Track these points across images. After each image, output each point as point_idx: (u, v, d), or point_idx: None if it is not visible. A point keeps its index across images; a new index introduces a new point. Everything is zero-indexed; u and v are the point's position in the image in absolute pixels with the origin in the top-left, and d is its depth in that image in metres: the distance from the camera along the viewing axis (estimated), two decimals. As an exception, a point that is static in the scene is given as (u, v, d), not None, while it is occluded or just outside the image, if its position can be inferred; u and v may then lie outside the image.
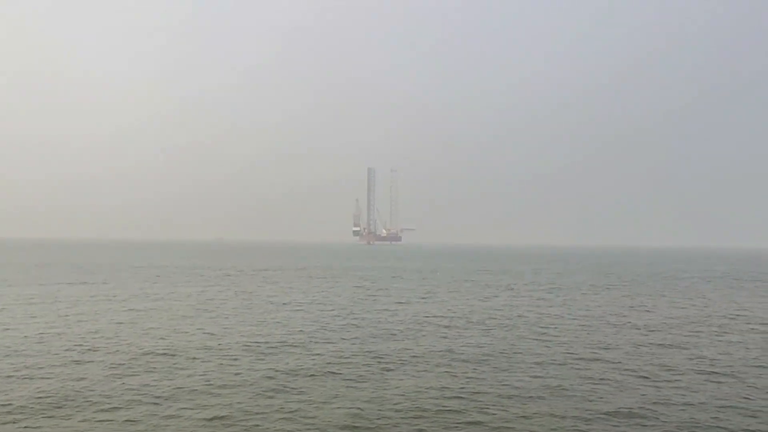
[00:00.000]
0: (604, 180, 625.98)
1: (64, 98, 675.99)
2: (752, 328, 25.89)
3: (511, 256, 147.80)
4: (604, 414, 12.92)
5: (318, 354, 18.81)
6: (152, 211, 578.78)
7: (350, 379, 15.64)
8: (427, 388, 14.80)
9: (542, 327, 25.21)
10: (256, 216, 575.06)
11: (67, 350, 18.81)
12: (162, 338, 21.31)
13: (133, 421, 12.05)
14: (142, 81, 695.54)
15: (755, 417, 12.94)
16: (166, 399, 13.59)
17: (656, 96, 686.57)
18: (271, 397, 13.84)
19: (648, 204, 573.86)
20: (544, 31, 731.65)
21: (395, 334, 22.77)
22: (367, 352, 19.26)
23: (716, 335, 23.78)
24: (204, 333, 22.54)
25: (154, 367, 16.64)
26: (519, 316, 29.01)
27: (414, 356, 18.68)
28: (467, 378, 15.98)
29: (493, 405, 13.50)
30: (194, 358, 17.90)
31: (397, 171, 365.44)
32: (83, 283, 45.06)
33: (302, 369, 16.68)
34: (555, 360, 18.44)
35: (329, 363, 17.50)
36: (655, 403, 13.84)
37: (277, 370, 16.44)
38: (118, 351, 18.82)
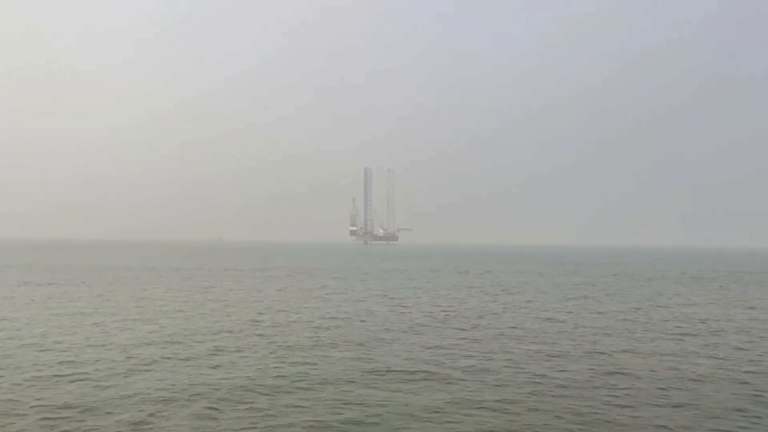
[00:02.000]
0: (602, 180, 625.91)
1: (62, 100, 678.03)
2: (677, 326, 26.33)
3: (503, 256, 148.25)
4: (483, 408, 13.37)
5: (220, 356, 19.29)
6: (153, 211, 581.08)
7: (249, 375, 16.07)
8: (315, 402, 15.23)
9: (467, 328, 25.65)
10: (255, 216, 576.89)
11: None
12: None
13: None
14: (140, 82, 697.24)
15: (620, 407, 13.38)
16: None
17: (653, 95, 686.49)
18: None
19: (647, 204, 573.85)
20: (540, 31, 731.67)
21: (319, 328, 23.31)
22: (270, 342, 19.75)
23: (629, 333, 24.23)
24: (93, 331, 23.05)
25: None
26: (451, 316, 29.48)
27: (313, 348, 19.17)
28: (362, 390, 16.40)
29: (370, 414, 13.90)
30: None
31: (394, 171, 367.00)
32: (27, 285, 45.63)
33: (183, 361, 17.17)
34: (445, 360, 18.89)
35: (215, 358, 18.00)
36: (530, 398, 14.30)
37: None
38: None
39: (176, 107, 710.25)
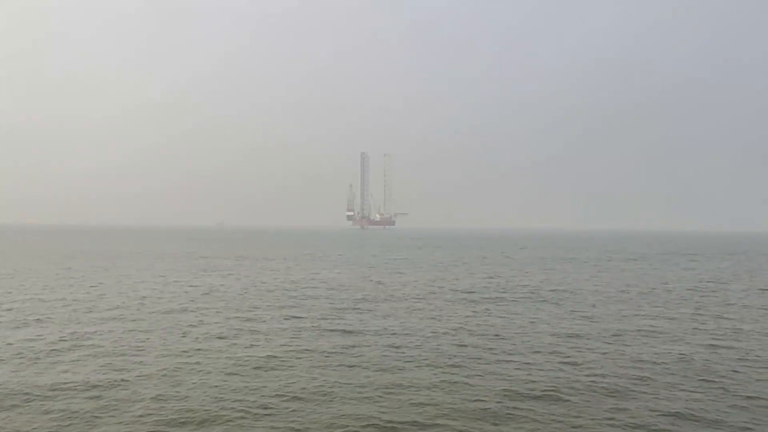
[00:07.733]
0: (596, 164, 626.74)
1: (58, 91, 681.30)
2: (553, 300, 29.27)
3: (489, 241, 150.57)
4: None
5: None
6: (158, 198, 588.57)
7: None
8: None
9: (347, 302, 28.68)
10: (255, 202, 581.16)
11: None
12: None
13: None
14: (131, 70, 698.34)
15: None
16: None
17: (648, 79, 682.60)
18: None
19: (640, 188, 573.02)
20: (535, 15, 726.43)
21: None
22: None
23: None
24: None
25: None
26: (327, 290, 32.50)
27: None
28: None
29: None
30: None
31: (391, 156, 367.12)
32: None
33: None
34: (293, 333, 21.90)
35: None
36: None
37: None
38: None
39: (171, 96, 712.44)
